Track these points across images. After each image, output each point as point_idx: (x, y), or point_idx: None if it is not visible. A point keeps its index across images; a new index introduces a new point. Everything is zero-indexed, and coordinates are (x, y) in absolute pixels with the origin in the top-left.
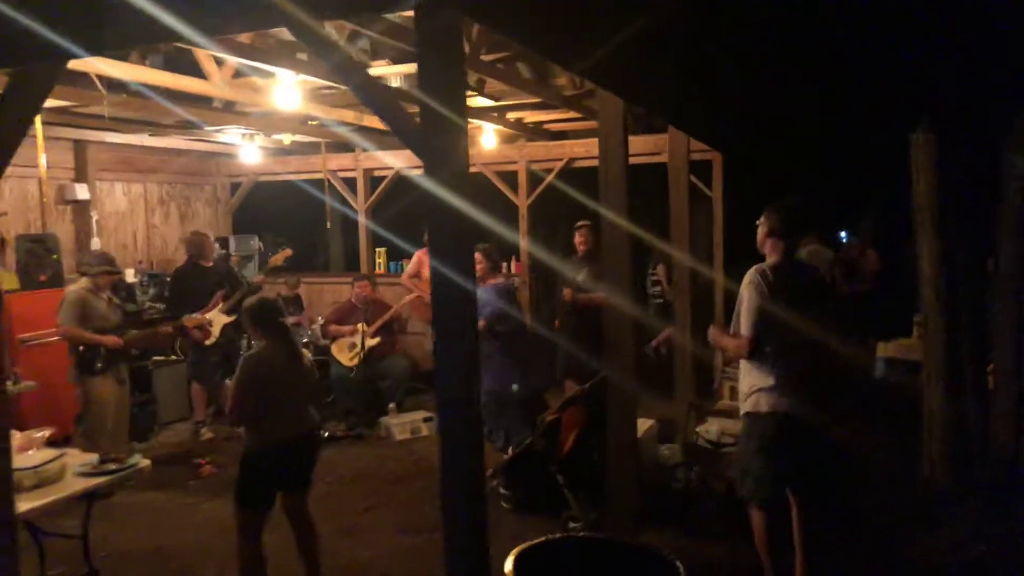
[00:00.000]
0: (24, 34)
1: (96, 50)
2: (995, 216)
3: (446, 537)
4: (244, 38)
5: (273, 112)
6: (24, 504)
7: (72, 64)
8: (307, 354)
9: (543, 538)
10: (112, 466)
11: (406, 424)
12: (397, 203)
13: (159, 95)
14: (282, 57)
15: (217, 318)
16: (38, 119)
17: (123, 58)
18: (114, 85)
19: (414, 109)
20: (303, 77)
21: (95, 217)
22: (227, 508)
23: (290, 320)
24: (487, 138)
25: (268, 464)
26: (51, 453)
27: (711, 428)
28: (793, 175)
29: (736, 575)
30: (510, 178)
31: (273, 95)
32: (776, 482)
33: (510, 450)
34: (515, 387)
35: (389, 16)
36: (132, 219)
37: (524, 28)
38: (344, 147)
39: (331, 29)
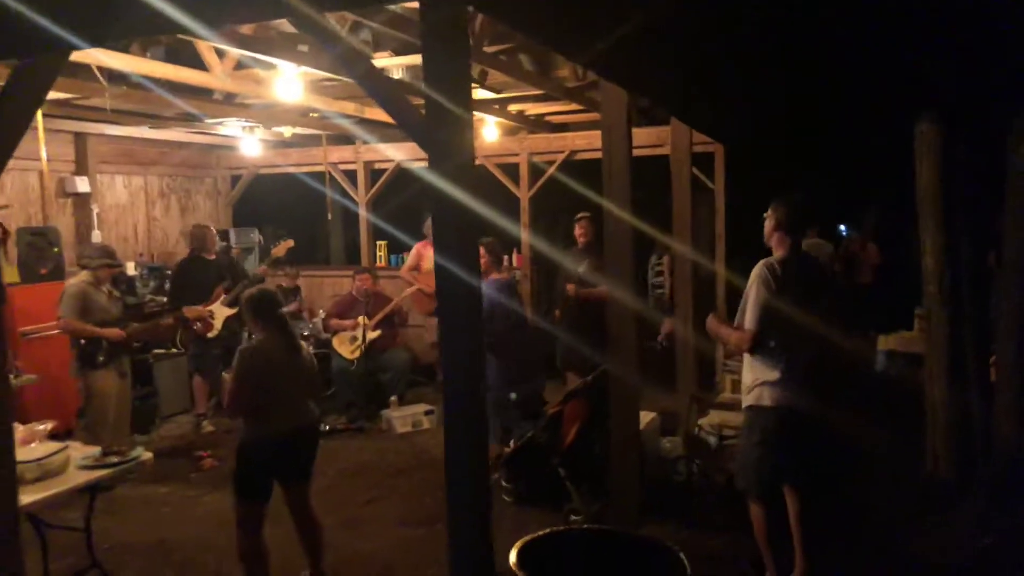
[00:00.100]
0: (27, 26)
1: (99, 42)
2: (999, 209)
3: (450, 529)
4: (246, 29)
5: (274, 104)
6: (27, 497)
7: (73, 56)
8: (306, 347)
9: (547, 530)
10: (114, 459)
11: (407, 417)
12: (398, 196)
13: (160, 87)
14: (283, 49)
15: (219, 311)
16: (39, 111)
17: (124, 50)
18: (114, 77)
19: (417, 101)
20: (304, 69)
21: (96, 210)
22: (229, 501)
23: (290, 308)
24: (489, 130)
25: (264, 456)
26: (54, 446)
27: (713, 420)
28: (794, 168)
29: (738, 567)
30: (511, 170)
31: (275, 87)
32: (775, 476)
33: (511, 443)
34: (513, 396)
35: (392, 7)
36: (133, 212)
37: (528, 18)
38: (345, 140)
39: (332, 20)
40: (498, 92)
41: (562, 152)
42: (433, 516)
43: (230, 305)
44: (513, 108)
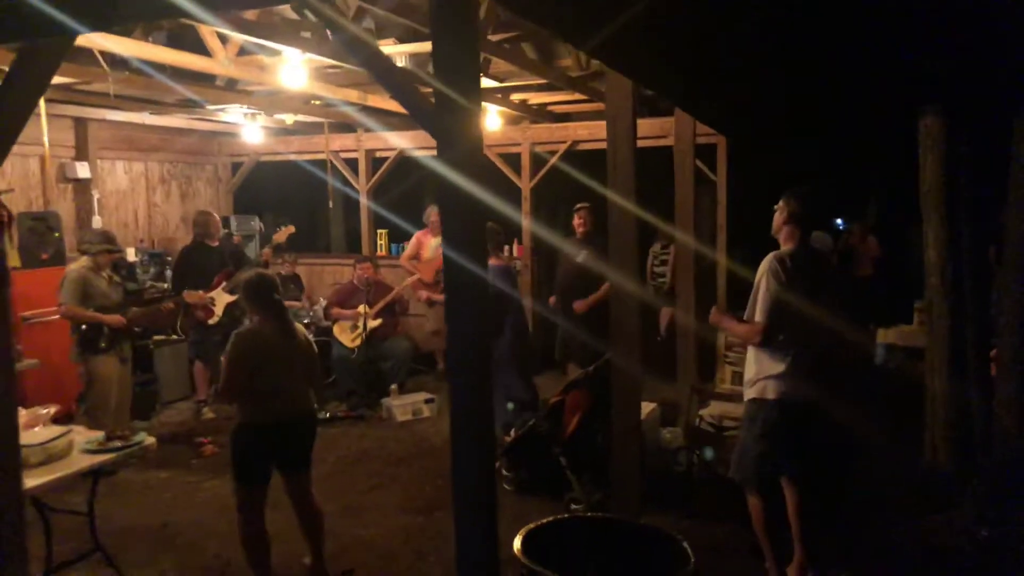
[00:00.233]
0: (30, 10)
1: (103, 26)
2: (1000, 204)
3: (456, 516)
4: (249, 15)
5: (276, 91)
6: (31, 480)
7: (75, 40)
8: (305, 333)
9: (551, 518)
10: (118, 443)
11: (407, 405)
12: (399, 184)
13: (162, 72)
14: (287, 35)
15: (220, 297)
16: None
17: (127, 34)
18: (116, 62)
19: (423, 90)
20: (308, 56)
21: (96, 195)
22: (230, 487)
23: (295, 304)
24: (491, 119)
25: (259, 441)
26: (58, 430)
27: (713, 411)
28: (795, 160)
29: (738, 557)
30: (513, 160)
31: (279, 74)
32: (775, 469)
33: (512, 432)
34: (510, 406)
35: None
36: (133, 198)
37: (535, 5)
38: (346, 128)
39: (339, 6)
40: (501, 81)
41: (564, 142)
42: (433, 504)
43: (231, 292)
44: (516, 97)
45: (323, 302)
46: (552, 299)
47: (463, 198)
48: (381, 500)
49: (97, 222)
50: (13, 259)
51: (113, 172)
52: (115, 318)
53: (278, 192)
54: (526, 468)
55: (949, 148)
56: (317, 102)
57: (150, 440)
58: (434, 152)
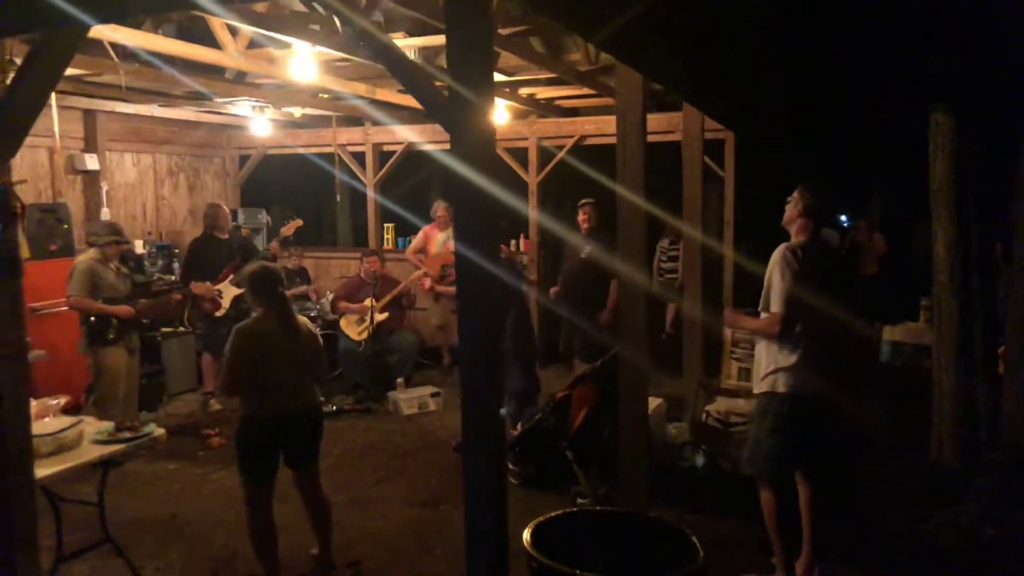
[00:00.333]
0: (43, 2)
1: (116, 18)
2: (1008, 202)
3: (467, 509)
4: (259, 7)
5: (285, 84)
6: (42, 470)
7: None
8: (309, 326)
9: (560, 511)
10: (128, 434)
11: (414, 399)
12: (406, 178)
13: (171, 65)
14: (296, 28)
15: (228, 289)
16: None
17: (136, 27)
18: (126, 54)
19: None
20: (318, 49)
21: (105, 187)
22: (237, 478)
23: (299, 291)
24: (499, 113)
25: (262, 434)
26: (68, 420)
27: (719, 407)
28: (801, 156)
29: (743, 552)
30: (520, 154)
31: (289, 66)
32: (788, 462)
33: (519, 426)
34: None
35: None
36: (141, 190)
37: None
38: (354, 121)
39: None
40: (510, 75)
41: (572, 137)
42: (439, 497)
43: (238, 285)
44: (524, 91)
45: (330, 295)
46: (553, 289)
47: (476, 192)
48: (387, 493)
49: (106, 214)
50: (23, 250)
51: (122, 164)
52: (123, 309)
53: (285, 185)
54: (533, 462)
55: (959, 145)
56: (325, 95)
57: (159, 431)
58: (443, 146)
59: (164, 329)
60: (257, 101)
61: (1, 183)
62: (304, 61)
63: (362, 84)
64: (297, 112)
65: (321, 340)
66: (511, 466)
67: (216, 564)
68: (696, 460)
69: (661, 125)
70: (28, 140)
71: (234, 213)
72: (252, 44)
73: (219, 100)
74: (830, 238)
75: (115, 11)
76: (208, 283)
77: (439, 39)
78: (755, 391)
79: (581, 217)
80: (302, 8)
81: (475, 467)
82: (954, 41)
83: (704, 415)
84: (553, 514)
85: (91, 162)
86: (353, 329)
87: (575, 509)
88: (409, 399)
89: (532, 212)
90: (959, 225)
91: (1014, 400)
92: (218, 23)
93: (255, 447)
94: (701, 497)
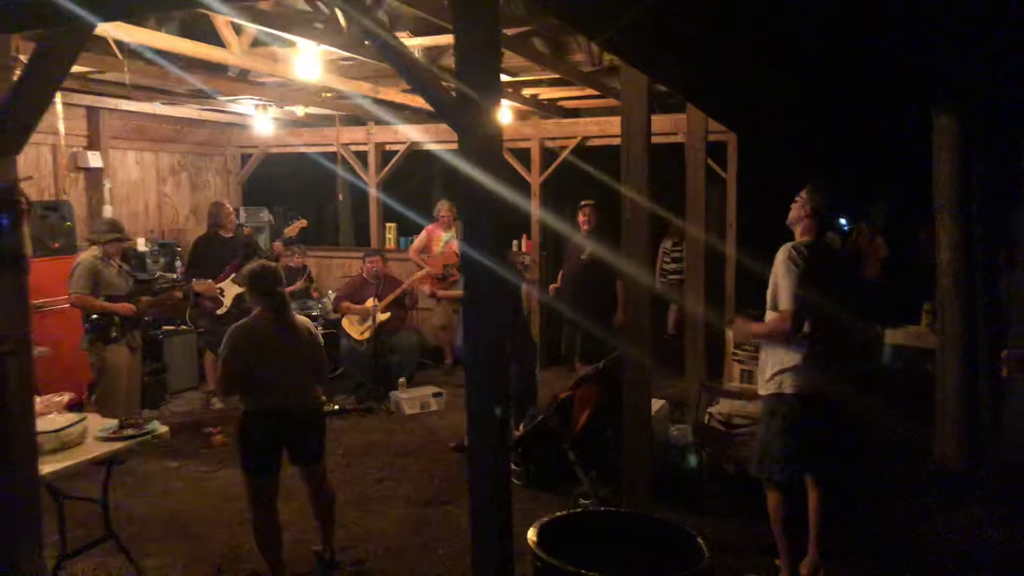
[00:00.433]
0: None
1: (121, 16)
2: (1012, 205)
3: (472, 508)
4: (264, 5)
5: (288, 83)
6: (46, 467)
7: None
8: (308, 325)
9: (565, 512)
10: (131, 431)
11: (415, 399)
12: (408, 178)
13: (174, 62)
14: (300, 26)
15: (229, 288)
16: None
17: (140, 24)
18: (129, 52)
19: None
20: (322, 47)
21: (108, 185)
22: (239, 476)
23: (296, 287)
24: (502, 114)
25: (263, 431)
26: (72, 417)
27: (722, 409)
28: (805, 158)
29: (746, 554)
30: (522, 155)
31: (294, 65)
32: (797, 463)
33: (520, 427)
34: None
35: None
36: (144, 188)
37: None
38: (356, 120)
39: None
40: (514, 75)
41: (574, 138)
42: (442, 496)
43: (240, 283)
44: (527, 92)
45: (332, 295)
46: (552, 287)
47: (483, 192)
48: (390, 492)
49: (108, 211)
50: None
51: (124, 162)
52: (125, 306)
53: (287, 184)
54: (535, 462)
55: (963, 148)
56: (328, 94)
57: (163, 429)
58: (446, 145)
59: (166, 327)
60: (260, 100)
61: (7, 180)
62: (308, 59)
63: (365, 83)
64: (300, 111)
65: (321, 339)
66: (514, 467)
67: (219, 561)
68: (690, 460)
69: (664, 126)
70: (32, 137)
71: (236, 212)
72: (256, 42)
73: (222, 98)
74: (833, 241)
75: (121, 9)
76: (210, 281)
77: (443, 39)
78: (760, 392)
79: (581, 218)
80: (306, 7)
81: (481, 467)
82: (959, 42)
83: (707, 417)
84: (558, 514)
85: (94, 160)
86: (355, 328)
87: (579, 510)
88: (411, 399)
89: (534, 212)
90: (963, 228)
91: (1018, 402)
92: (222, 21)
93: (256, 444)
94: (703, 499)
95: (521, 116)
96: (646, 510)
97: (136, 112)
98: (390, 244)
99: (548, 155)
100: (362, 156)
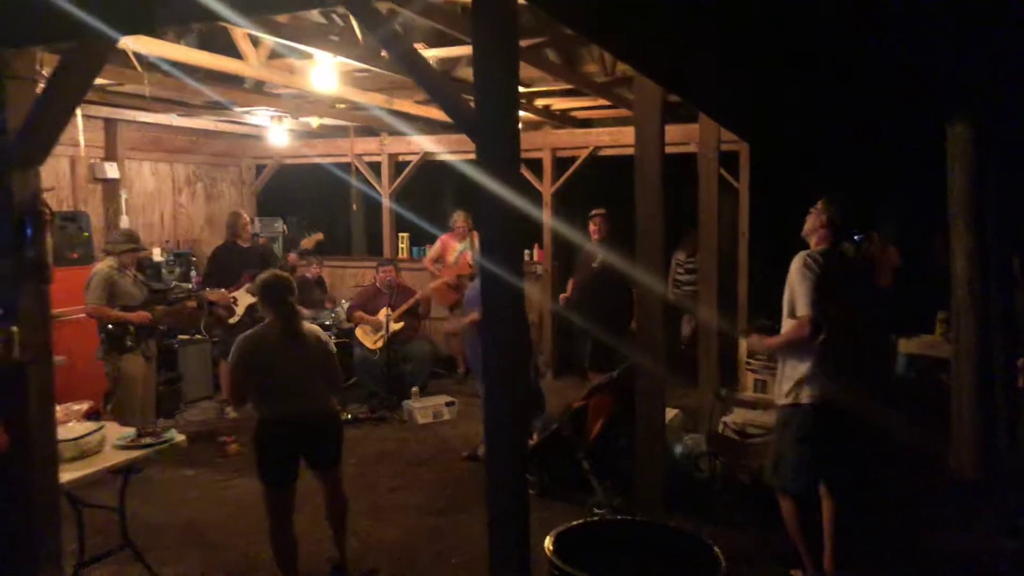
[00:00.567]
0: (70, 14)
1: (142, 30)
2: None
3: (490, 517)
4: (281, 18)
5: (303, 94)
6: (65, 475)
7: None
8: (318, 334)
9: (581, 520)
10: (149, 440)
11: (428, 408)
12: (421, 188)
13: (191, 75)
14: (317, 38)
15: (243, 297)
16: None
17: (160, 37)
18: (147, 64)
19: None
20: (338, 59)
21: (124, 196)
22: (255, 485)
23: (313, 308)
24: None
25: (278, 439)
26: (91, 425)
27: (736, 419)
28: (818, 167)
29: (760, 564)
30: (535, 165)
31: (311, 77)
32: (813, 472)
33: (534, 436)
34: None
35: None
36: (159, 198)
37: (577, 11)
38: (369, 131)
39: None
40: (527, 86)
41: (586, 148)
42: (455, 505)
43: (253, 292)
44: (539, 102)
45: (345, 304)
46: (563, 296)
47: (501, 204)
48: (403, 501)
49: (125, 222)
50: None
51: (140, 173)
52: (141, 315)
53: (301, 194)
54: (549, 471)
55: (977, 156)
56: (342, 105)
57: (180, 437)
58: (459, 155)
59: (181, 336)
60: (275, 111)
61: (31, 190)
62: (324, 71)
63: (380, 95)
64: (315, 122)
65: (333, 347)
66: (527, 476)
67: (234, 571)
68: (702, 468)
69: (676, 136)
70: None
71: (251, 222)
72: (273, 54)
73: (238, 109)
74: (846, 251)
75: (143, 23)
76: (223, 290)
77: (457, 50)
78: (777, 402)
79: (592, 228)
80: (322, 19)
81: (498, 476)
82: (974, 50)
83: (721, 426)
84: (574, 523)
85: (111, 171)
86: (368, 338)
87: (595, 518)
88: (424, 408)
89: (546, 222)
90: (977, 237)
91: None
92: (240, 33)
93: (272, 453)
94: (717, 508)
95: (533, 126)
96: (660, 519)
97: (153, 123)
98: (403, 254)
99: (560, 164)
100: (375, 167)
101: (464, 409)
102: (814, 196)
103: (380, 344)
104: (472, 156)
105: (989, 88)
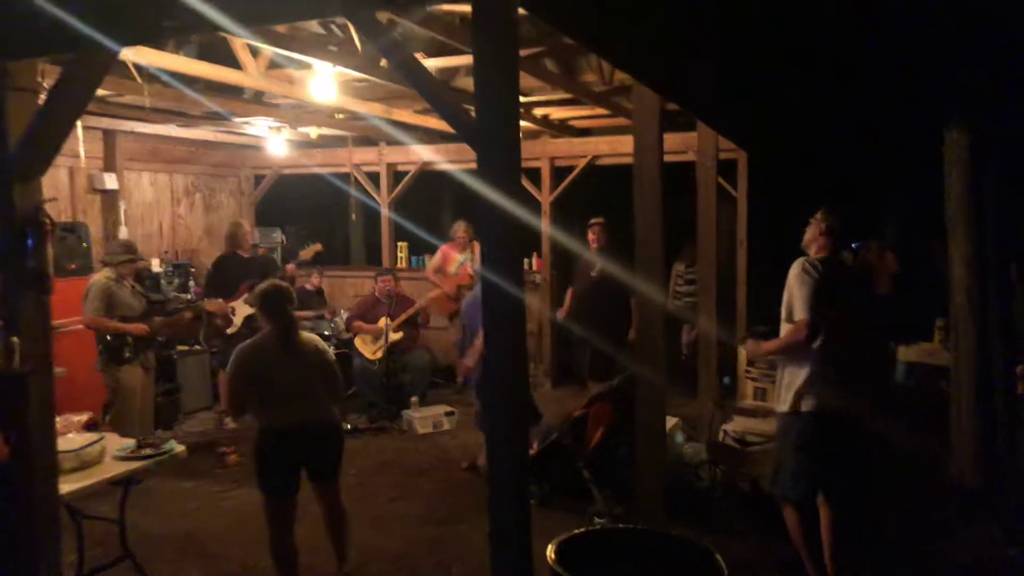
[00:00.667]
0: (72, 25)
1: (143, 41)
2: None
3: (492, 526)
4: (280, 28)
5: (302, 104)
6: (65, 486)
7: None
8: (317, 343)
9: (583, 529)
10: (149, 451)
11: (428, 418)
12: (420, 198)
13: (191, 85)
14: (316, 48)
15: (241, 308)
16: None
17: (159, 48)
18: (147, 75)
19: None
20: (338, 69)
21: (123, 207)
22: (255, 496)
23: (311, 314)
24: None
25: (277, 449)
26: (91, 436)
27: (736, 427)
28: (814, 176)
29: (761, 571)
30: (533, 174)
31: (309, 87)
32: (813, 480)
33: (534, 445)
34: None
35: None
36: (158, 209)
37: (573, 16)
38: (368, 141)
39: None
40: (526, 96)
41: (584, 157)
42: (455, 515)
43: (251, 303)
44: (538, 112)
45: (344, 314)
46: (560, 312)
47: (503, 214)
48: (403, 511)
49: (124, 233)
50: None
51: (139, 183)
52: (139, 327)
53: (299, 204)
54: (549, 480)
55: (974, 162)
56: (341, 115)
57: (180, 448)
58: (458, 165)
59: (180, 347)
60: (274, 121)
61: (33, 201)
62: (323, 81)
63: (378, 104)
64: (313, 132)
65: (332, 355)
66: None
67: None
68: (702, 476)
69: (674, 145)
70: None
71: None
72: (272, 64)
73: (236, 120)
74: (844, 259)
75: (144, 34)
76: (221, 300)
77: (456, 59)
78: (777, 410)
79: (591, 237)
80: (321, 30)
81: (500, 485)
82: (973, 52)
83: (721, 434)
84: (576, 531)
85: (110, 181)
86: (368, 348)
87: (597, 527)
88: (423, 418)
89: (545, 231)
90: (975, 243)
91: None
92: (239, 44)
93: (272, 463)
94: (717, 516)
95: (531, 135)
96: (661, 527)
97: (151, 134)
98: (402, 263)
99: (558, 174)
100: (374, 176)
101: (463, 419)
102: (812, 202)
103: (379, 354)
104: (470, 165)
105: (988, 91)
